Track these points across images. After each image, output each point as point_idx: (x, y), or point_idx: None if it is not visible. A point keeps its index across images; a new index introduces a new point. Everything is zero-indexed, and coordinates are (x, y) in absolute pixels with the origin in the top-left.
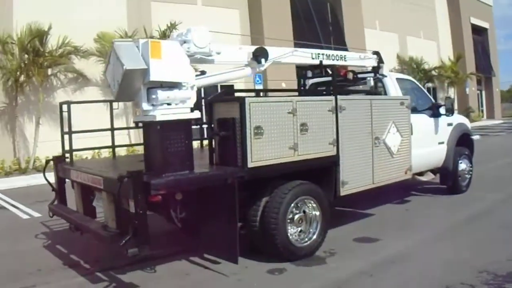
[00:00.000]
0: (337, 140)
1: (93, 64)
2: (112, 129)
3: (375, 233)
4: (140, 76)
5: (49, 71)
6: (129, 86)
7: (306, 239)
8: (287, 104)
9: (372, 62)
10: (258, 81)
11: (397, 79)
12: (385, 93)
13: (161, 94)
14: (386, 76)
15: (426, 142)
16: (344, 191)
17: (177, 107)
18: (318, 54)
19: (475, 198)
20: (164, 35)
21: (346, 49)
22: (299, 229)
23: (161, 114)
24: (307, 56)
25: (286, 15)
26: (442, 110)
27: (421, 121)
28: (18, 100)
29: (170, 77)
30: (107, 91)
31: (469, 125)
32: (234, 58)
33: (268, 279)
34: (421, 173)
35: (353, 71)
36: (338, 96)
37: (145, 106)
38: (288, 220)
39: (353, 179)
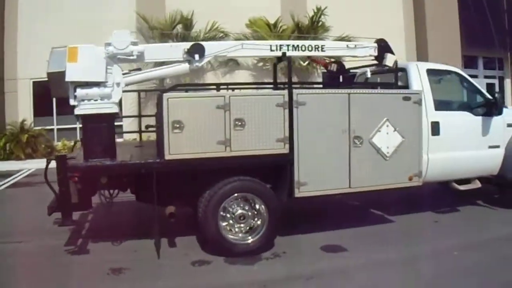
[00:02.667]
0: (291, 137)
1: None
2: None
3: (356, 243)
4: (63, 77)
5: None
6: (58, 85)
7: (249, 237)
8: (216, 99)
9: (368, 52)
10: None
11: (430, 70)
12: (408, 87)
13: (79, 92)
14: (389, 67)
15: (464, 145)
16: (301, 192)
17: (97, 103)
18: (280, 45)
19: None
20: (312, 22)
21: None
22: (240, 226)
23: (80, 109)
24: (264, 48)
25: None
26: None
27: (457, 120)
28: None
29: (85, 77)
30: (259, 74)
31: None
32: (165, 55)
33: (183, 268)
34: (467, 181)
35: (338, 62)
36: (297, 90)
37: (71, 101)
38: (222, 215)
39: (315, 180)
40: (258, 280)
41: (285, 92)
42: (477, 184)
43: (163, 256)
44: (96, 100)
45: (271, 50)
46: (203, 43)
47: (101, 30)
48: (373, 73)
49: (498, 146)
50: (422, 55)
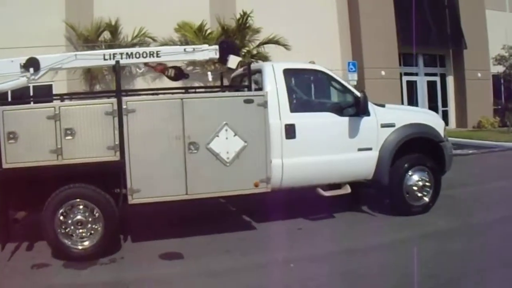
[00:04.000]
0: (122, 145)
1: None
2: None
3: (196, 251)
4: None
5: None
6: None
7: (86, 242)
8: (47, 110)
9: (208, 55)
10: (352, 69)
11: (288, 70)
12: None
13: None
14: (232, 69)
15: (327, 148)
16: (134, 199)
17: None
18: (114, 54)
19: (418, 223)
20: (239, 24)
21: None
22: (79, 231)
23: None
24: (97, 58)
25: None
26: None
27: (317, 122)
28: (99, 88)
29: None
30: (191, 79)
31: (440, 127)
32: (6, 70)
33: (23, 270)
34: (338, 185)
35: (175, 67)
36: (126, 98)
37: None
38: (61, 220)
39: (149, 187)
40: (82, 284)
41: (114, 100)
42: (346, 190)
43: (12, 258)
44: None
45: (105, 59)
46: (38, 56)
47: (33, 38)
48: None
49: (370, 149)
50: (357, 54)
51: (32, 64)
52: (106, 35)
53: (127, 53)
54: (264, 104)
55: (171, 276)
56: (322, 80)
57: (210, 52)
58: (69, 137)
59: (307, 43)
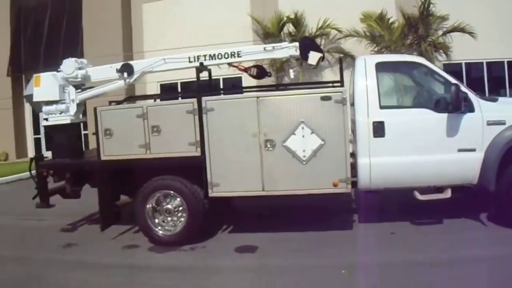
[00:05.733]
0: (202, 141)
1: (359, 44)
2: None
3: (270, 246)
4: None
5: None
6: (35, 103)
7: (171, 229)
8: (137, 110)
9: (288, 52)
10: None
11: (381, 64)
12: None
13: (45, 108)
14: (313, 66)
15: (420, 148)
16: (214, 192)
17: (56, 116)
18: (198, 56)
19: None
20: (421, 12)
21: None
22: (168, 218)
23: (45, 120)
24: (183, 61)
25: None
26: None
27: (409, 119)
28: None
29: (45, 97)
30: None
31: None
32: (106, 75)
33: (110, 249)
34: (439, 189)
35: (257, 66)
36: (206, 97)
37: (43, 116)
38: (150, 208)
39: (227, 182)
40: (157, 265)
41: (195, 99)
42: (445, 195)
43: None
44: (55, 114)
45: (190, 62)
46: (131, 62)
47: (221, 31)
48: None
49: (473, 150)
50: None
51: (126, 69)
52: (290, 28)
53: (210, 55)
54: (343, 101)
55: (237, 268)
56: (420, 73)
57: (290, 49)
58: (156, 134)
59: (492, 31)
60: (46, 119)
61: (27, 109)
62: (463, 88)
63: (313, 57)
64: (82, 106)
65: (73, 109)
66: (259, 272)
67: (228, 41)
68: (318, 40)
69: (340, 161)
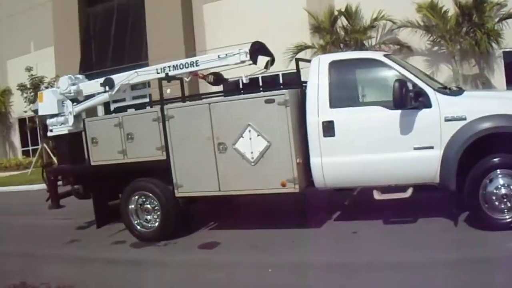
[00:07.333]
0: (167, 146)
1: (414, 35)
2: None
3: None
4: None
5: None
6: (41, 117)
7: (150, 227)
8: (113, 119)
9: (239, 58)
10: None
11: (335, 62)
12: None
13: (49, 121)
14: (264, 70)
15: (369, 146)
16: (180, 193)
17: (58, 127)
18: (164, 67)
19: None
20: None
21: None
22: (148, 217)
23: (50, 131)
24: (151, 72)
25: None
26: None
27: (360, 117)
28: None
29: (49, 111)
30: (433, 59)
31: None
32: (94, 89)
33: (101, 244)
34: (401, 188)
35: (214, 73)
36: (167, 106)
37: (49, 128)
38: (133, 208)
39: (189, 183)
40: (124, 259)
41: (158, 108)
42: (404, 194)
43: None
44: (57, 125)
45: (158, 73)
46: (112, 76)
47: (275, 28)
48: None
49: (431, 147)
50: None
51: (108, 82)
52: (343, 21)
53: (173, 66)
54: (285, 103)
55: (186, 264)
56: (377, 70)
57: (241, 55)
58: (130, 140)
59: None
60: (51, 130)
61: None
62: (420, 83)
63: (262, 60)
64: (80, 117)
65: (71, 120)
66: (200, 267)
67: (286, 36)
68: (372, 32)
69: (287, 162)
